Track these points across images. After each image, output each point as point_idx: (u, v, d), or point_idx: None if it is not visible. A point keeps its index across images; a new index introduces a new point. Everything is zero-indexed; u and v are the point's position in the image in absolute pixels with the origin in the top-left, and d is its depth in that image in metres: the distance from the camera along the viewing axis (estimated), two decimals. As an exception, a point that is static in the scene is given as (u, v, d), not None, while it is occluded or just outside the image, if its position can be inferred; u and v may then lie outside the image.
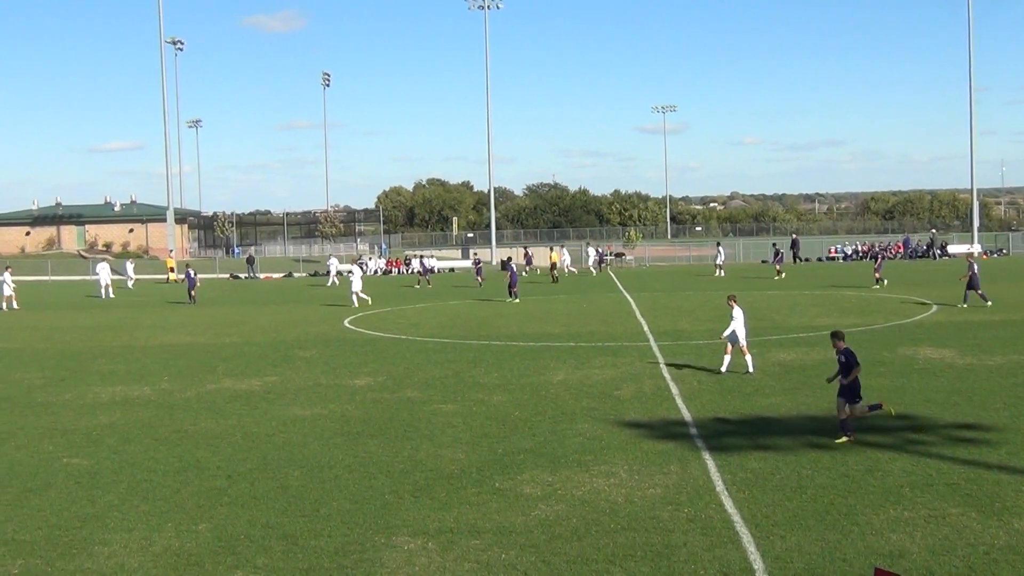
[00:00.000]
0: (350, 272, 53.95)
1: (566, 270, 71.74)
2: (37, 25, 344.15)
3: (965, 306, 38.97)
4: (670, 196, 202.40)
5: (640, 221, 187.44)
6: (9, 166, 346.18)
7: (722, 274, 67.78)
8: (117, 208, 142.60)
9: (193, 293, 55.91)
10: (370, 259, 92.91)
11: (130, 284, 73.24)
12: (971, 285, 39.61)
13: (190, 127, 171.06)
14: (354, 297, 49.89)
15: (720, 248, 72.80)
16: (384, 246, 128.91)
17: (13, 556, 12.55)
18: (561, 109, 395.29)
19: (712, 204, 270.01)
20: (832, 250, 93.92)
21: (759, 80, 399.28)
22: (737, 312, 25.20)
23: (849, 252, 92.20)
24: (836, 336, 18.22)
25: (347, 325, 39.65)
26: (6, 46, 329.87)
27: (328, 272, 71.97)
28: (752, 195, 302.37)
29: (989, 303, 39.13)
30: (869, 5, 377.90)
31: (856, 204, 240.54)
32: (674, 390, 22.71)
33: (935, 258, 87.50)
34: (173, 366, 29.08)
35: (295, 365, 28.54)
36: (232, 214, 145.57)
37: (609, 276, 72.30)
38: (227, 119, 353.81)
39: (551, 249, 77.52)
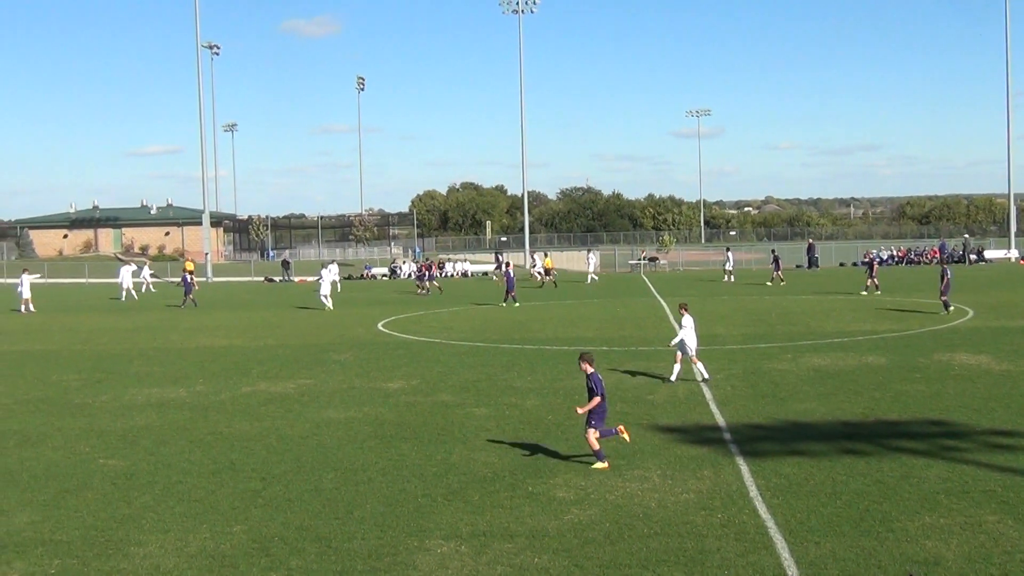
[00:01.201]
0: (320, 277, 54.76)
1: (588, 278, 70.84)
2: (76, 30, 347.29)
3: (947, 313, 38.71)
4: (704, 200, 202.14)
5: (674, 225, 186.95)
6: (48, 170, 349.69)
7: (732, 279, 67.29)
8: (153, 211, 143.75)
9: (190, 296, 56.63)
10: (404, 263, 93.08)
11: (149, 285, 73.65)
12: (943, 291, 39.40)
13: (226, 131, 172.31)
14: (323, 299, 51.35)
15: (729, 253, 72.17)
16: (418, 250, 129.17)
17: (50, 556, 12.65)
18: (595, 113, 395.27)
19: (747, 208, 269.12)
20: (868, 254, 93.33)
21: (794, 84, 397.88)
22: (687, 320, 25.03)
23: (885, 257, 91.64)
24: (583, 359, 16.94)
25: (381, 328, 39.75)
26: (46, 51, 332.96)
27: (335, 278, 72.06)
28: (787, 199, 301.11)
29: (950, 310, 38.86)
30: (906, 9, 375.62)
31: (892, 209, 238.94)
32: (708, 395, 22.64)
33: (967, 263, 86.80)
34: (208, 368, 29.24)
35: (329, 368, 28.63)
36: (267, 217, 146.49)
37: (643, 280, 72.11)
38: (263, 123, 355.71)
39: (544, 255, 77.36)
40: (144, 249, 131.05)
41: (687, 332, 24.88)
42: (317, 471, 16.63)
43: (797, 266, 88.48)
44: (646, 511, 13.83)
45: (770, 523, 13.15)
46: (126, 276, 65.97)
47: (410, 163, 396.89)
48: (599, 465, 16.28)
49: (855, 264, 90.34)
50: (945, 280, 39.38)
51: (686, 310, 25.58)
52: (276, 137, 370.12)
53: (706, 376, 24.56)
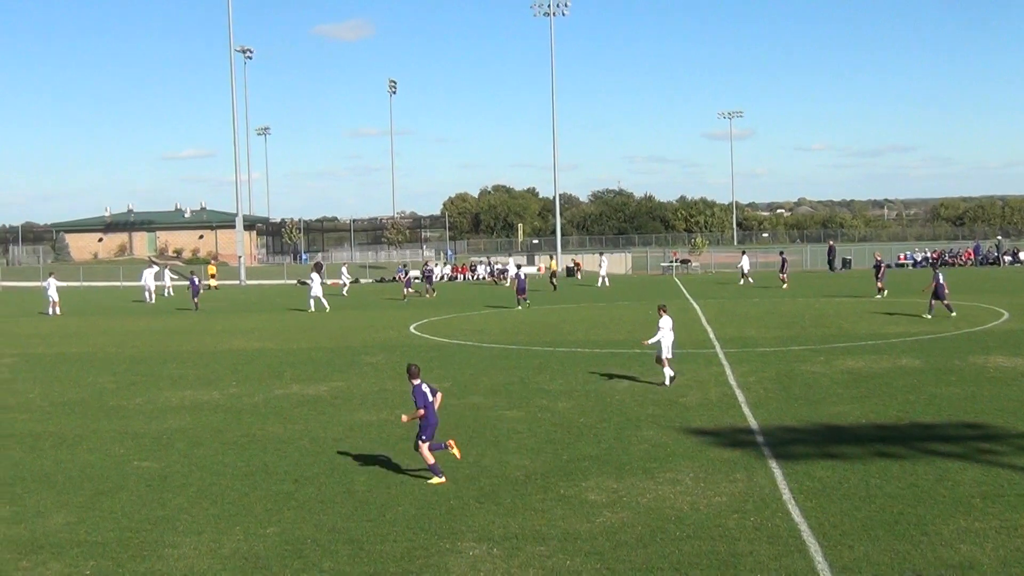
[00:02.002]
0: (310, 279, 55.79)
1: (599, 281, 70.47)
2: (113, 36, 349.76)
3: (929, 316, 38.40)
4: (736, 202, 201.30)
5: (706, 227, 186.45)
6: (83, 174, 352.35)
7: (750, 281, 66.88)
8: (187, 215, 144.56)
9: (196, 300, 57.15)
10: (436, 265, 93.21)
11: (167, 289, 73.56)
12: (936, 295, 38.99)
13: (259, 135, 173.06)
14: (311, 302, 52.80)
15: (745, 256, 71.77)
16: (450, 252, 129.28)
17: (85, 557, 12.73)
18: (626, 115, 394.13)
19: (779, 210, 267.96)
20: (902, 256, 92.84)
21: (826, 85, 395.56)
22: (664, 322, 24.92)
23: (919, 259, 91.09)
24: (410, 371, 16.52)
25: (413, 331, 39.82)
26: (82, 56, 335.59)
27: (343, 283, 72.08)
28: (819, 201, 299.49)
29: (954, 314, 38.58)
30: (939, 9, 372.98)
31: (926, 210, 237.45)
32: (740, 398, 22.56)
33: (1002, 265, 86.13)
34: (242, 371, 29.37)
35: (361, 370, 28.70)
36: (300, 220, 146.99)
37: (675, 282, 71.94)
38: (295, 127, 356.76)
39: (550, 257, 77.47)
40: (178, 252, 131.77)
41: (662, 334, 24.78)
42: (349, 473, 16.67)
43: (873, 266, 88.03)
44: (678, 514, 13.79)
45: (803, 526, 13.09)
46: (148, 278, 66.69)
47: (442, 166, 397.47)
48: (435, 480, 16.04)
49: (888, 266, 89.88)
50: (937, 284, 39.05)
51: (664, 311, 25.46)
52: (308, 140, 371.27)
53: (667, 382, 24.48)
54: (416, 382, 16.31)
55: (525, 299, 51.16)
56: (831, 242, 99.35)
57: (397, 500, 14.93)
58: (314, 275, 55.69)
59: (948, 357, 27.84)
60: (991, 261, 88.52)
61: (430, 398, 16.25)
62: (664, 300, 38.06)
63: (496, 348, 33.08)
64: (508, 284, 64.95)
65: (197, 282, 58.35)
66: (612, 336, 35.87)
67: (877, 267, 52.58)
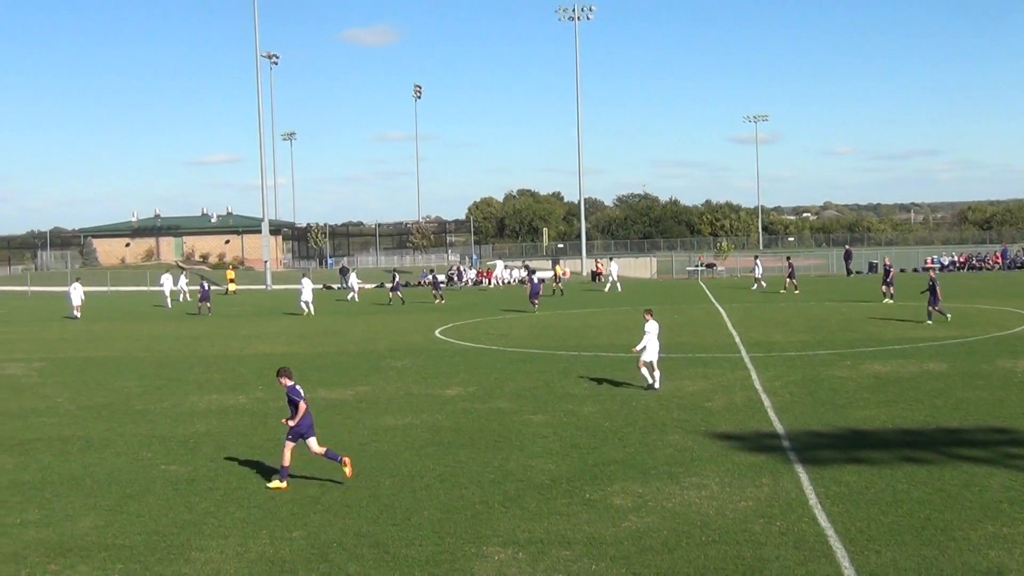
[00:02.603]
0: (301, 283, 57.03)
1: (607, 284, 70.19)
2: (139, 42, 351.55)
3: (931, 323, 38.19)
4: (762, 206, 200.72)
5: (732, 231, 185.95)
6: (111, 179, 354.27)
7: (763, 285, 66.72)
8: (214, 220, 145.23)
9: (208, 304, 57.62)
10: (461, 269, 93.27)
11: (183, 293, 73.54)
12: (932, 301, 38.87)
13: (285, 140, 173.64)
14: (303, 306, 54.28)
15: (758, 261, 71.43)
16: (475, 256, 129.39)
17: (113, 560, 12.80)
18: (652, 119, 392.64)
19: (805, 214, 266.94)
20: (928, 261, 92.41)
21: (852, 89, 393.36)
22: (649, 326, 24.92)
23: (946, 263, 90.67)
24: (280, 373, 16.89)
25: (438, 335, 39.87)
26: (108, 62, 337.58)
27: (351, 287, 72.18)
28: (846, 205, 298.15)
29: (931, 320, 38.39)
30: (966, 11, 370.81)
31: (953, 214, 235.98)
32: (766, 402, 22.49)
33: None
34: (267, 375, 29.40)
35: (387, 375, 28.76)
36: (325, 225, 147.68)
37: (701, 287, 71.80)
38: (321, 131, 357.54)
39: (555, 263, 77.47)
40: (204, 257, 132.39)
41: (649, 338, 24.81)
42: (375, 477, 16.70)
43: (857, 272, 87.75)
44: (704, 519, 13.76)
45: (830, 531, 13.04)
46: (167, 283, 67.47)
47: (467, 170, 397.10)
48: (275, 484, 16.18)
49: (915, 270, 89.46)
50: (935, 290, 38.87)
51: (651, 315, 25.44)
52: (334, 145, 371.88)
53: (655, 386, 24.56)
54: (290, 383, 16.63)
55: (535, 304, 51.83)
56: (847, 246, 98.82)
57: (423, 504, 14.95)
58: (304, 280, 56.91)
59: (975, 361, 27.70)
60: (1019, 265, 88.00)
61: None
62: (692, 303, 38.01)
63: (521, 352, 33.09)
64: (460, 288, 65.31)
65: (207, 287, 58.77)
66: (635, 340, 35.74)
67: (887, 272, 52.09)
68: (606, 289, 69.02)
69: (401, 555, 12.67)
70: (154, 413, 23.68)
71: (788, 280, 63.28)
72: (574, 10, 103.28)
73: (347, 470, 16.40)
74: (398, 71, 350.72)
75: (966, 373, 25.82)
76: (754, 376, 26.35)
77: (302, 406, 16.46)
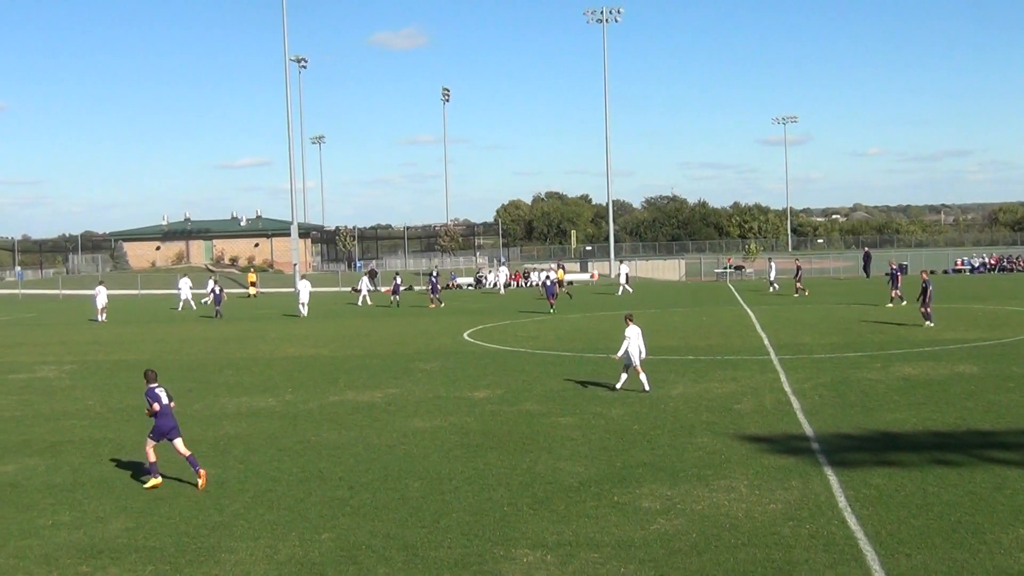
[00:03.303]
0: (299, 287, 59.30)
1: (619, 288, 69.88)
2: (171, 47, 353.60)
3: (931, 324, 37.81)
4: (791, 208, 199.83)
5: (760, 233, 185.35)
6: (142, 183, 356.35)
7: (776, 287, 66.44)
8: (243, 223, 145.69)
9: (219, 308, 58.06)
10: (489, 272, 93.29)
11: (189, 301, 69.90)
12: (924, 303, 38.48)
13: (314, 143, 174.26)
14: (301, 308, 56.64)
15: (772, 263, 71.05)
16: (503, 259, 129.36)
17: (143, 563, 12.87)
18: (680, 121, 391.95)
19: (834, 216, 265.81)
20: (959, 262, 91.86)
21: (882, 89, 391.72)
22: (630, 331, 24.94)
23: (976, 264, 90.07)
24: (145, 376, 17.16)
25: (466, 338, 39.90)
26: (141, 68, 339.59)
27: (360, 290, 72.23)
28: (875, 206, 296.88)
29: (930, 323, 38.00)
30: (996, 11, 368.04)
31: (984, 215, 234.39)
32: (795, 404, 22.40)
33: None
34: (297, 378, 29.56)
35: (415, 377, 28.81)
36: (354, 228, 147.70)
37: (729, 289, 71.59)
38: (350, 135, 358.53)
39: (559, 267, 77.54)
40: (234, 260, 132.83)
41: (629, 343, 24.84)
42: (404, 480, 16.73)
43: (887, 274, 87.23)
44: (733, 521, 13.72)
45: (859, 534, 12.98)
46: (184, 287, 67.94)
47: (495, 173, 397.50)
48: (151, 482, 16.66)
49: (945, 272, 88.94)
50: (928, 292, 38.53)
51: (631, 320, 25.51)
52: (363, 149, 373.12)
53: (647, 388, 24.61)
54: (152, 385, 16.94)
55: (551, 304, 53.80)
56: (866, 248, 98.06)
57: (451, 506, 14.96)
58: (304, 282, 59.08)
59: (1006, 364, 27.51)
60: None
61: (164, 401, 16.93)
62: (720, 305, 37.85)
63: (549, 355, 33.09)
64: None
65: (219, 291, 59.15)
66: (665, 342, 35.74)
67: (892, 275, 51.11)
68: (618, 293, 68.51)
69: (430, 557, 12.69)
70: (184, 416, 23.70)
71: (795, 283, 62.94)
72: (602, 12, 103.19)
73: (200, 482, 16.71)
74: (427, 74, 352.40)
75: (997, 375, 25.65)
76: (783, 378, 26.25)
77: (155, 407, 16.82)
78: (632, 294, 67.28)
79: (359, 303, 66.55)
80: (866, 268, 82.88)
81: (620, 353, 25.07)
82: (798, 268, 64.53)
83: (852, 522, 13.49)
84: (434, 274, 66.03)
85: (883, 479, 15.64)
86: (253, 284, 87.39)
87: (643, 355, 25.19)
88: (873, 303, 51.35)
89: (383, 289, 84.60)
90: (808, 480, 15.77)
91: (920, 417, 20.59)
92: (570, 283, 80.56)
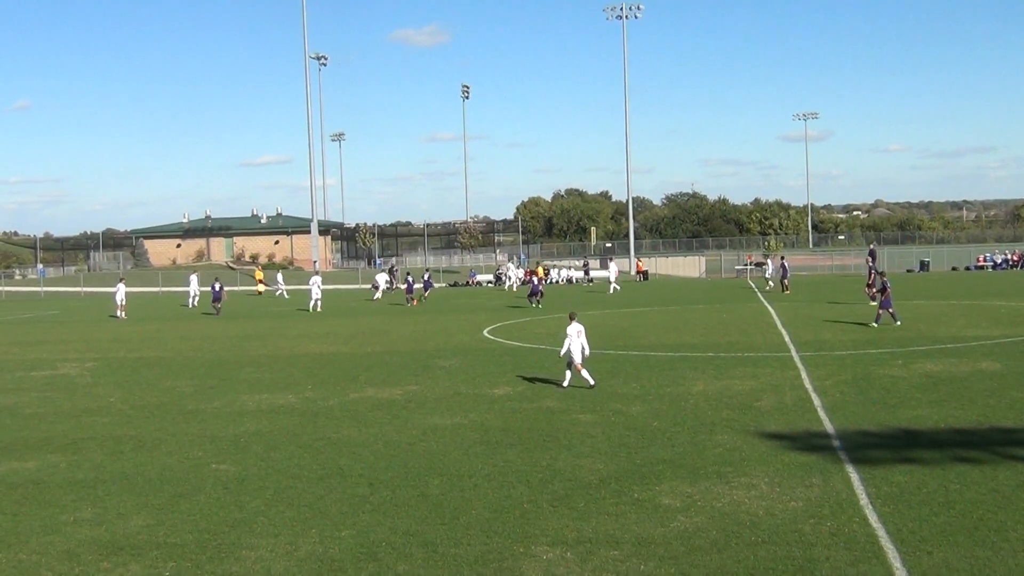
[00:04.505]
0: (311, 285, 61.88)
1: (610, 288, 69.48)
2: (191, 46, 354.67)
3: (899, 323, 37.47)
4: (812, 204, 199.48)
5: (781, 230, 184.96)
6: (163, 181, 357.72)
7: (772, 286, 65.89)
8: (263, 220, 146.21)
9: (218, 305, 58.61)
10: (508, 269, 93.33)
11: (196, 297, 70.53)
12: (883, 304, 38.13)
13: (334, 140, 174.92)
14: (314, 304, 59.49)
15: (769, 260, 70.52)
16: (523, 256, 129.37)
17: (164, 559, 12.90)
18: (701, 118, 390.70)
19: (855, 212, 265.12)
20: (981, 259, 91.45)
21: (904, 86, 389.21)
22: (571, 329, 25.21)
23: (999, 261, 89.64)
24: None
25: (486, 335, 39.93)
26: (162, 66, 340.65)
27: (377, 286, 72.47)
28: (897, 203, 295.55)
29: (898, 322, 37.68)
30: (1019, 6, 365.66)
31: (1006, 212, 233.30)
32: (816, 401, 22.33)
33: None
34: (317, 375, 29.61)
35: (435, 375, 28.83)
36: (374, 225, 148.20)
37: (749, 285, 71.44)
38: (370, 132, 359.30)
39: (537, 263, 77.46)
40: (254, 258, 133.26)
41: (571, 340, 25.11)
42: (423, 477, 16.74)
43: (908, 271, 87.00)
44: (753, 519, 13.68)
45: (881, 532, 12.92)
46: (194, 283, 68.54)
47: (516, 170, 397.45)
48: None
49: (968, 268, 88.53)
50: (885, 292, 38.18)
51: (573, 318, 25.83)
52: (383, 146, 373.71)
53: (592, 383, 24.92)
54: None
55: (537, 300, 55.43)
56: (872, 245, 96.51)
57: (471, 504, 14.96)
58: (315, 278, 61.48)
59: (1030, 360, 27.36)
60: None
61: None
62: (741, 302, 37.74)
63: (569, 352, 33.03)
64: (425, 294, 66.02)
65: (219, 288, 59.58)
66: (685, 339, 35.68)
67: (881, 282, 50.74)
68: (609, 292, 68.19)
69: (450, 554, 12.69)
70: (205, 413, 23.86)
71: (781, 281, 62.51)
72: (622, 9, 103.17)
73: None
74: (447, 71, 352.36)
75: (1020, 372, 25.51)
76: (804, 375, 26.16)
77: None
78: (621, 292, 67.06)
79: (373, 298, 66.93)
80: (871, 267, 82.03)
81: (563, 351, 25.47)
82: (783, 267, 64.11)
83: (873, 519, 13.43)
84: (411, 278, 65.84)
85: (905, 476, 15.57)
86: (261, 282, 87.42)
87: (587, 353, 25.50)
88: (1006, 295, 51.25)
89: (401, 286, 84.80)
90: (829, 477, 15.71)
91: (942, 414, 20.50)
92: (570, 281, 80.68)
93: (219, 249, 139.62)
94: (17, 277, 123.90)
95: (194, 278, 69.94)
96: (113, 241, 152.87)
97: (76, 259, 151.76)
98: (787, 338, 34.89)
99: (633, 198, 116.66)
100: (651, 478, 16.08)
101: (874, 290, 45.99)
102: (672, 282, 79.55)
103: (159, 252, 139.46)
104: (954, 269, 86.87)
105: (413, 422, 21.64)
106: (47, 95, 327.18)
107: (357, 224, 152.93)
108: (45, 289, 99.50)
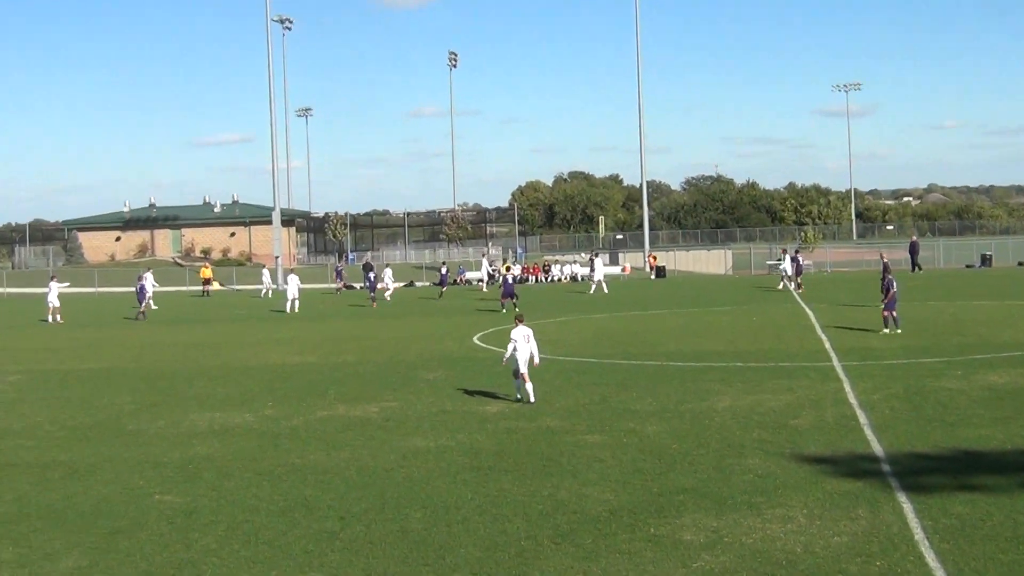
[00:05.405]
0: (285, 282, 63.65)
1: (592, 284, 69.59)
2: (132, 9, 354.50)
3: (898, 331, 37.40)
4: (855, 189, 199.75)
5: (820, 219, 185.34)
6: (101, 165, 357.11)
7: (789, 285, 65.38)
8: (217, 209, 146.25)
9: (140, 308, 59.18)
10: (496, 263, 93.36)
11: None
12: (887, 306, 38.06)
13: (300, 116, 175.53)
14: (290, 304, 60.35)
15: (786, 255, 69.90)
16: (520, 250, 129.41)
17: (99, 607, 12.82)
18: (725, 90, 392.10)
19: (906, 198, 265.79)
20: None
21: (961, 53, 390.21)
22: (516, 333, 25.67)
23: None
24: None
25: (477, 342, 39.90)
26: (100, 35, 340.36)
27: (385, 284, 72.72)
28: (953, 187, 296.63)
29: (898, 328, 37.49)
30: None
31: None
32: (862, 419, 22.29)
33: None
34: (279, 389, 29.56)
35: (418, 388, 28.78)
36: (346, 215, 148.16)
37: (786, 287, 71.50)
38: (342, 107, 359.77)
39: (503, 260, 77.58)
40: (206, 253, 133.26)
41: (517, 346, 25.45)
42: (403, 509, 16.68)
43: (968, 266, 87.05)
44: (790, 557, 13.62)
45: (939, 572, 12.86)
46: (147, 283, 68.42)
47: (512, 151, 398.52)
48: None
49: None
50: (890, 293, 38.10)
51: (520, 321, 26.35)
52: (357, 123, 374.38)
53: (532, 399, 25.33)
54: None
55: (513, 302, 54.36)
56: (914, 237, 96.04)
57: (459, 541, 14.89)
58: (291, 276, 62.41)
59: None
60: None
61: None
62: (773, 302, 37.69)
63: (573, 361, 33.04)
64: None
65: (146, 287, 59.76)
66: (709, 346, 35.66)
67: (795, 261, 51.32)
68: (591, 291, 68.17)
69: (434, 600, 12.62)
70: (148, 434, 23.78)
71: (796, 277, 62.47)
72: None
73: None
74: (433, 37, 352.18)
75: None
76: (848, 388, 26.13)
77: None
78: (608, 294, 66.94)
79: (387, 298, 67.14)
80: (913, 261, 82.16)
81: (506, 358, 25.88)
82: (796, 261, 63.94)
83: (930, 558, 13.38)
84: (376, 273, 65.94)
85: (966, 507, 15.52)
86: (208, 280, 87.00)
87: (536, 362, 25.82)
88: (929, 299, 51.33)
89: (380, 285, 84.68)
90: (878, 508, 15.66)
91: (1008, 433, 20.47)
92: (574, 279, 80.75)
93: (165, 243, 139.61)
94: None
95: (148, 276, 69.72)
96: (42, 234, 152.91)
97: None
98: (828, 344, 34.88)
99: (648, 182, 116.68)
100: (670, 510, 16.02)
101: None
102: (693, 280, 79.55)
103: (95, 247, 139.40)
104: (1020, 264, 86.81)
105: (391, 445, 21.58)
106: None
107: (327, 214, 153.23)
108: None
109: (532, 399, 25.32)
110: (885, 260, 43.99)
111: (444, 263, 79.05)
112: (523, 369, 25.43)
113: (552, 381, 28.91)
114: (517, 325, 26.03)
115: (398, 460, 20.15)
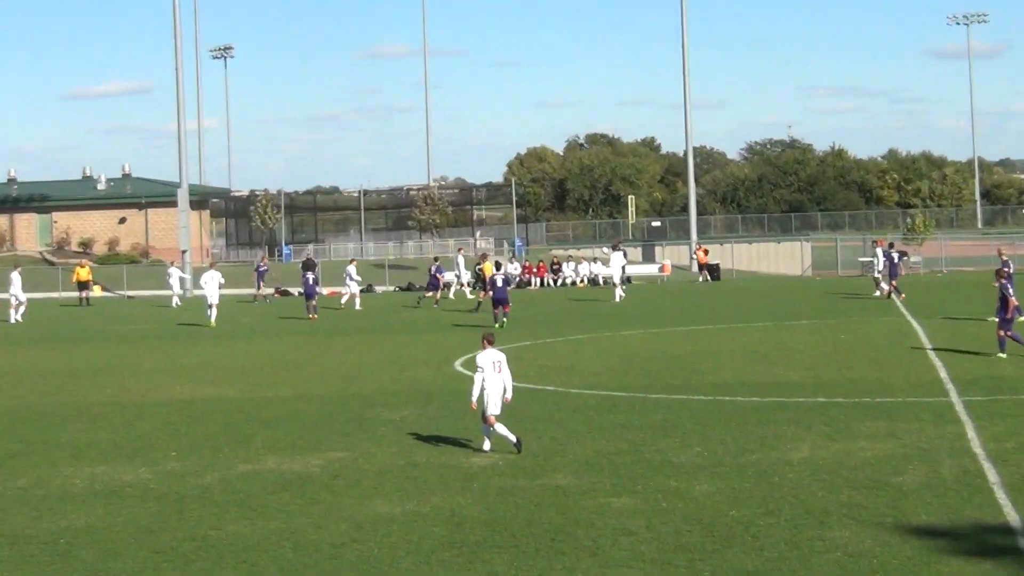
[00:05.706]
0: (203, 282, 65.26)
1: (616, 289, 69.76)
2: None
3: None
4: (980, 159, 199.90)
5: (932, 200, 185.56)
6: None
7: (884, 288, 64.84)
8: (102, 185, 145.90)
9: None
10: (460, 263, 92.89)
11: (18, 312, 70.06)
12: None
13: (216, 58, 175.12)
14: (210, 311, 62.27)
15: (878, 250, 68.95)
16: (519, 242, 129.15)
17: None
18: (800, 26, 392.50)
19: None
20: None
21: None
22: (483, 359, 25.73)
23: None
24: None
25: (459, 368, 39.85)
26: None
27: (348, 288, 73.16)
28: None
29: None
30: None
31: None
32: (992, 476, 22.28)
33: None
34: (186, 435, 29.51)
35: (376, 433, 28.76)
36: (279, 193, 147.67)
37: (885, 292, 71.56)
38: (274, 46, 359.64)
39: (484, 258, 77.57)
40: (86, 245, 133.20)
41: (487, 378, 25.47)
42: (358, 600, 16.67)
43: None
44: (894, 669, 13.59)
45: None
46: (16, 285, 68.48)
47: (508, 105, 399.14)
48: None
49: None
50: (1009, 305, 38.39)
51: (488, 344, 26.26)
52: (294, 67, 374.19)
53: (513, 440, 25.35)
54: None
55: (505, 313, 55.00)
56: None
57: (434, 645, 14.88)
58: (210, 273, 64.22)
59: None
60: None
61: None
62: (869, 314, 37.61)
63: (593, 396, 33.05)
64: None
65: (17, 294, 60.34)
66: (780, 375, 35.69)
67: (888, 257, 51.53)
68: (616, 299, 68.41)
69: None
70: (4, 497, 23.72)
71: (890, 280, 62.56)
72: None
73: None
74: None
75: None
76: (971, 433, 26.15)
77: None
78: (626, 300, 67.08)
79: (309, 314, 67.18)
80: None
81: (475, 397, 25.71)
82: (888, 256, 63.82)
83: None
84: (310, 275, 66.22)
85: None
86: (87, 282, 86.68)
87: (508, 396, 25.83)
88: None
89: (327, 291, 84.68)
90: (1014, 600, 15.65)
91: None
92: (594, 282, 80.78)
93: (29, 231, 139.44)
94: None
95: (16, 277, 69.73)
96: None
97: None
98: (943, 373, 34.91)
99: (696, 149, 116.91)
100: (727, 602, 16.01)
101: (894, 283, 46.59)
102: (758, 283, 79.42)
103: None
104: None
105: (341, 510, 21.56)
106: None
107: (252, 192, 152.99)
108: None
109: (513, 439, 25.21)
110: (1004, 257, 43.99)
111: (436, 259, 78.78)
112: (492, 411, 25.34)
113: (564, 423, 28.90)
114: (485, 347, 25.94)
115: (350, 533, 20.10)
